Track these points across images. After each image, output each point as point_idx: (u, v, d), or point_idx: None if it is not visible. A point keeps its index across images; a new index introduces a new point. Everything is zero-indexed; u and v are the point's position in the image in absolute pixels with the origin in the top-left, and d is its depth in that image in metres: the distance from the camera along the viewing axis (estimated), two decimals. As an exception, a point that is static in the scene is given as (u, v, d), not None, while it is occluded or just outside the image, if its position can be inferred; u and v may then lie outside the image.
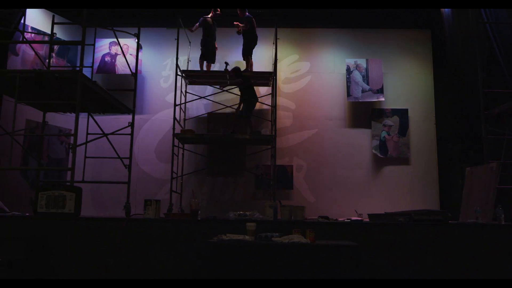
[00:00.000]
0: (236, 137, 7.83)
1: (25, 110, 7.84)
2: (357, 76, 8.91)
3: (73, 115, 8.58)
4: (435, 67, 8.99)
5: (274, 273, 3.41)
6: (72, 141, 8.43)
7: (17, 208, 6.91)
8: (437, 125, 8.84)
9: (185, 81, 8.80)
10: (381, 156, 8.76)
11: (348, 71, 8.93)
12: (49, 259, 4.28)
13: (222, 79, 8.62)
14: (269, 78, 8.48)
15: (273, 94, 8.18)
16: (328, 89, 9.09)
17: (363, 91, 8.85)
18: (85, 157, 6.97)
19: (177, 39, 8.05)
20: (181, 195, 8.41)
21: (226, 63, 8.14)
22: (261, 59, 8.90)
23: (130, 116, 8.31)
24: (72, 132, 8.59)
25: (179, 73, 8.22)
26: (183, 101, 8.64)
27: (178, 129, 8.04)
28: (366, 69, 8.92)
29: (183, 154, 8.49)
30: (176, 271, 4.11)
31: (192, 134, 7.96)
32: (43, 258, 4.26)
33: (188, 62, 9.01)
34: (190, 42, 8.92)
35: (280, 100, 8.93)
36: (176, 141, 8.09)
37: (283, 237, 3.62)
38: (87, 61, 9.23)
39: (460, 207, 8.30)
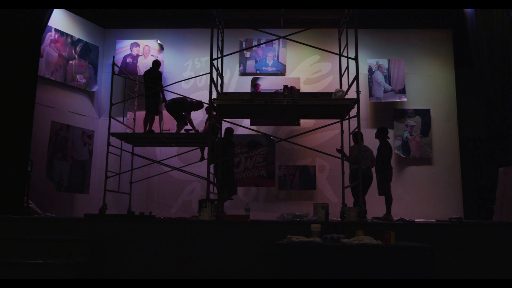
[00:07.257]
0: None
1: (49, 112, 7.78)
2: (379, 76, 8.90)
3: (93, 117, 8.59)
4: (457, 67, 8.99)
5: (345, 273, 3.38)
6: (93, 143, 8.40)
7: (44, 209, 6.86)
8: (459, 125, 8.84)
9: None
10: (404, 156, 8.75)
11: (370, 71, 8.92)
12: (110, 260, 4.23)
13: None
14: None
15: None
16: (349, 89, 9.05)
17: (385, 91, 8.84)
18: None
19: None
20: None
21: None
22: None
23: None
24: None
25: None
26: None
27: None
28: (388, 70, 8.91)
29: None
30: (244, 272, 4.05)
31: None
32: (105, 260, 4.21)
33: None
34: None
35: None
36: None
37: (352, 238, 3.58)
38: (107, 62, 9.21)
39: (480, 207, 8.41)
